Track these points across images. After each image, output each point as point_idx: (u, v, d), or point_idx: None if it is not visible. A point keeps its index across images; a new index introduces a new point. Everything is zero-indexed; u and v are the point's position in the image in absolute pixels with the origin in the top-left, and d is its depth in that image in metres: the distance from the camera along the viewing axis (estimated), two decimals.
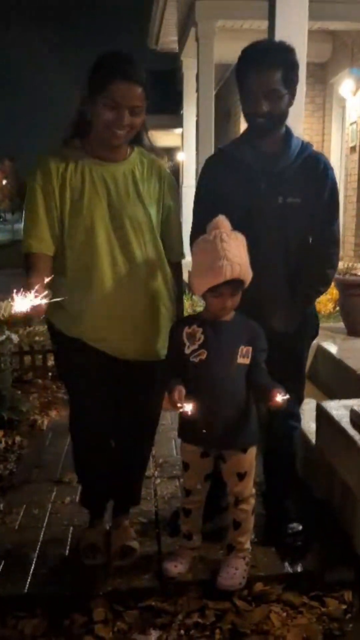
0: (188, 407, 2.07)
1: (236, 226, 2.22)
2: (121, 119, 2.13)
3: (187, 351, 2.20)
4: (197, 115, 8.89)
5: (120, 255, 2.24)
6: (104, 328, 2.26)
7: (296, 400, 2.59)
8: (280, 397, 2.05)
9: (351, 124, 9.37)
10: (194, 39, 8.39)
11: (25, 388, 4.72)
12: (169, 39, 10.38)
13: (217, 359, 2.18)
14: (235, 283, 2.13)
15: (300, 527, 2.57)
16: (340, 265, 4.10)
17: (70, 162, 2.22)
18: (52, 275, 2.06)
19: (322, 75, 10.23)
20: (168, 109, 12.63)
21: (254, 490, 2.37)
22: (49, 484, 3.13)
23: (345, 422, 2.58)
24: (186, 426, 2.29)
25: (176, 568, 2.36)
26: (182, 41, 9.60)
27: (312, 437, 2.96)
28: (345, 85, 9.17)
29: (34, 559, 2.48)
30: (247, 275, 2.15)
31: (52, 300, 1.86)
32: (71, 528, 2.70)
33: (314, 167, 2.38)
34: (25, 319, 6.51)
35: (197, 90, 8.76)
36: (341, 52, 9.68)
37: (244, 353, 2.20)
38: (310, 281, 2.44)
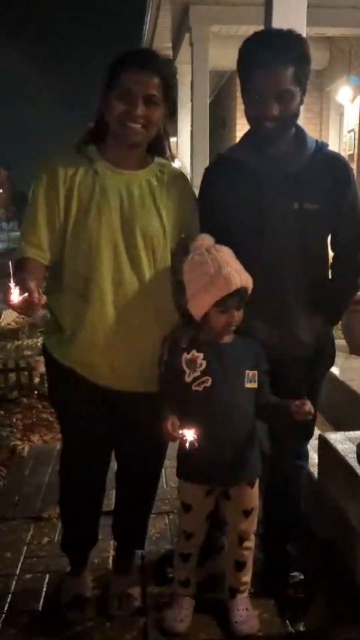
0: (189, 435, 1.85)
1: (247, 240, 2.02)
2: (134, 108, 1.91)
3: (187, 379, 1.99)
4: (192, 123, 8.68)
5: (128, 273, 2.00)
6: (98, 355, 2.02)
7: (305, 437, 2.35)
8: (300, 406, 1.91)
9: (349, 131, 9.22)
10: (188, 45, 8.18)
11: (9, 407, 4.44)
12: (162, 45, 10.16)
13: (224, 385, 1.99)
14: (241, 293, 1.96)
15: (302, 577, 2.31)
16: None
17: (81, 166, 1.99)
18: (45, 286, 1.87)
19: (319, 82, 10.07)
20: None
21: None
22: (26, 521, 2.85)
23: (351, 457, 2.33)
24: (188, 463, 2.07)
25: (182, 623, 2.12)
26: (176, 47, 9.41)
27: (314, 469, 2.71)
28: (342, 92, 9.01)
29: (2, 616, 2.21)
30: (250, 282, 1.97)
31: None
32: (47, 576, 2.43)
33: (334, 168, 2.11)
34: (15, 332, 6.35)
35: (192, 98, 8.55)
36: (339, 59, 9.52)
37: (250, 377, 2.03)
38: (339, 291, 2.19)
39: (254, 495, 2.13)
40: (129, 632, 2.11)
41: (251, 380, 2.03)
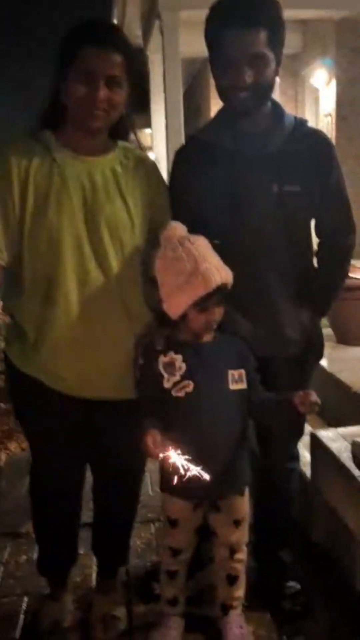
0: (174, 455, 1.67)
1: (223, 228, 1.85)
2: (95, 90, 1.72)
3: (167, 385, 1.82)
4: (166, 114, 8.47)
5: (93, 269, 1.82)
6: (63, 359, 1.84)
7: (296, 436, 2.19)
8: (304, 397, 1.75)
9: (325, 115, 9.05)
10: (158, 32, 7.98)
11: None
12: (133, 33, 9.95)
13: (207, 389, 1.82)
14: (222, 290, 1.78)
15: (299, 587, 2.15)
16: None
17: (36, 154, 1.79)
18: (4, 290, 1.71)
19: (293, 66, 9.89)
20: (136, 109, 12.10)
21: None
22: (2, 538, 2.66)
23: (346, 457, 2.18)
24: (172, 476, 1.85)
25: None
26: (146, 36, 9.20)
27: (306, 469, 2.55)
28: (317, 76, 8.86)
29: None
30: (231, 277, 1.79)
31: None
32: (26, 598, 2.25)
33: (315, 146, 1.94)
34: None
35: (165, 88, 8.35)
36: (313, 43, 9.35)
37: (236, 378, 1.86)
38: (327, 280, 2.03)
39: (244, 504, 1.97)
40: None
41: (237, 380, 1.86)
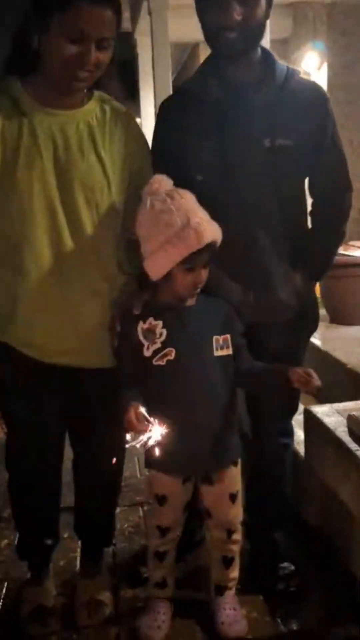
0: (157, 431, 1.57)
1: (211, 186, 1.74)
2: (87, 54, 1.56)
3: (147, 353, 1.71)
4: (155, 101, 8.33)
5: (67, 235, 1.70)
6: (40, 327, 1.73)
7: (289, 411, 2.09)
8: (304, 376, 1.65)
9: None
10: (146, 14, 7.82)
11: None
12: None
13: (190, 356, 1.71)
14: (211, 248, 1.67)
15: (293, 568, 2.05)
16: None
17: (2, 107, 1.65)
18: None
19: (283, 51, 9.70)
20: (125, 97, 11.94)
21: None
22: None
23: (341, 431, 2.07)
24: (157, 452, 1.75)
25: (159, 631, 1.85)
26: (135, 19, 9.04)
27: (300, 448, 2.45)
28: (308, 59, 8.72)
29: None
30: (220, 235, 1.68)
31: None
32: (6, 584, 2.14)
33: (310, 97, 1.82)
34: None
35: (154, 73, 8.20)
36: (303, 26, 9.20)
37: (221, 343, 1.76)
38: (322, 242, 1.91)
39: (237, 475, 1.87)
40: None
41: (222, 346, 1.75)
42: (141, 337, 1.71)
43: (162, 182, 1.67)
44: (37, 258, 1.68)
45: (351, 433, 2.02)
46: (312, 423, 2.27)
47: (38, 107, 1.67)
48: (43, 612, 1.92)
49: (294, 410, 2.11)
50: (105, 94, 1.79)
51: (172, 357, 1.70)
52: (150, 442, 1.58)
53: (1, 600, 2.06)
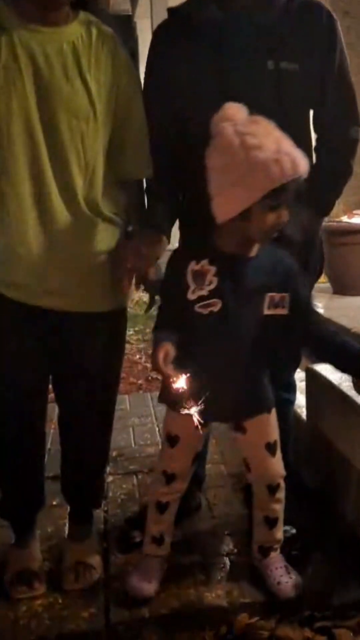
0: (180, 382, 1.45)
1: (208, 115, 1.56)
2: None
3: (191, 296, 1.56)
4: None
5: (49, 166, 1.57)
6: (21, 265, 1.60)
7: (292, 363, 1.95)
8: None
9: None
10: None
11: None
12: None
13: (237, 312, 1.57)
14: (295, 185, 1.47)
15: (295, 531, 1.93)
16: None
17: None
18: None
19: None
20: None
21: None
22: None
23: (346, 386, 1.95)
24: (179, 393, 1.61)
25: (150, 585, 1.74)
26: (134, 1, 8.92)
27: (302, 413, 2.33)
28: None
29: None
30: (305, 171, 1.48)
31: None
32: None
33: (316, 18, 1.69)
34: None
35: None
36: None
37: (276, 301, 1.59)
38: (328, 177, 1.77)
39: (273, 423, 1.72)
40: (86, 609, 1.71)
41: (277, 304, 1.59)
42: (189, 278, 1.55)
43: (239, 109, 1.49)
44: (17, 191, 1.56)
45: (356, 387, 1.90)
46: (315, 381, 2.15)
47: (19, 23, 1.54)
48: (28, 575, 1.80)
49: (297, 362, 1.98)
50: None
51: (216, 309, 1.55)
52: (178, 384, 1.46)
53: None
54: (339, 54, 1.72)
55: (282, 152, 1.42)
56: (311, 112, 1.80)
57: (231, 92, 1.63)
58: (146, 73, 1.75)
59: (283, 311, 1.61)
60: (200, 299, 1.55)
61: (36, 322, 1.66)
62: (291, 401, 2.03)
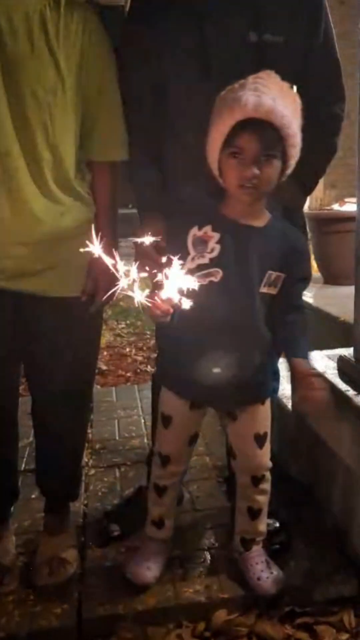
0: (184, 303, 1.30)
1: (188, 92, 1.57)
2: None
3: (190, 264, 1.47)
4: None
5: (16, 145, 1.49)
6: None
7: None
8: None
9: None
10: None
11: None
12: None
13: (237, 284, 1.49)
14: (269, 132, 1.41)
15: (278, 524, 1.86)
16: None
17: None
18: None
19: None
20: None
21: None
22: None
23: (331, 374, 1.89)
24: (175, 373, 1.61)
25: (150, 572, 1.68)
26: None
27: (287, 402, 2.27)
28: None
29: None
30: (290, 126, 1.43)
31: None
32: None
33: None
34: None
35: None
36: None
37: (272, 280, 1.53)
38: (312, 156, 1.68)
39: (265, 414, 1.66)
40: (58, 605, 1.64)
41: (272, 283, 1.52)
42: (189, 245, 1.47)
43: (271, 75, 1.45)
44: None
45: (341, 374, 1.84)
46: None
47: None
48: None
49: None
50: None
51: (216, 279, 1.47)
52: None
53: None
54: (324, 27, 1.65)
55: (249, 92, 1.39)
56: (294, 88, 1.73)
57: (212, 64, 1.57)
58: (122, 42, 1.67)
59: (274, 291, 1.55)
60: (200, 267, 1.47)
61: (7, 308, 1.60)
62: (276, 390, 1.95)
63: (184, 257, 1.45)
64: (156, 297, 1.26)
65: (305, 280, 1.62)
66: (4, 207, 1.51)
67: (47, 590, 1.70)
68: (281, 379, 1.75)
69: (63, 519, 1.90)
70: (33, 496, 2.06)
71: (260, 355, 1.59)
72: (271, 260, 1.52)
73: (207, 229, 1.48)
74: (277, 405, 2.12)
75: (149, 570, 1.67)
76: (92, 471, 2.39)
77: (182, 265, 1.34)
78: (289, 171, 1.51)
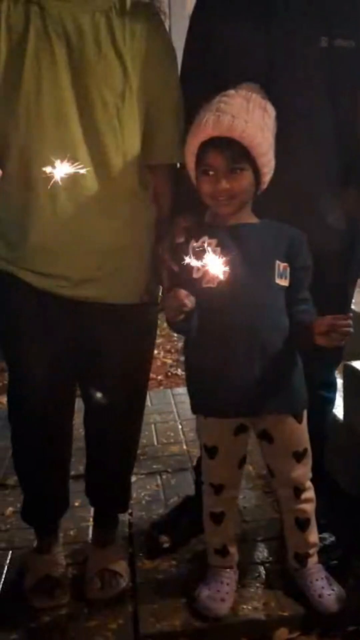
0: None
1: None
2: None
3: (196, 274, 1.47)
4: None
5: (82, 149, 1.46)
6: (56, 253, 1.51)
7: (334, 361, 1.84)
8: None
9: None
10: None
11: None
12: None
13: (246, 278, 1.46)
14: (232, 148, 1.44)
15: (334, 539, 1.81)
16: None
17: None
18: None
19: None
20: None
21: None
22: None
23: None
24: (203, 391, 1.58)
25: (223, 604, 1.62)
26: None
27: (339, 414, 2.21)
28: None
29: None
30: (254, 139, 1.43)
31: None
32: (10, 553, 1.92)
33: None
34: None
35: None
36: None
37: (281, 271, 1.52)
38: None
39: (303, 432, 1.62)
40: (114, 620, 1.61)
41: (282, 274, 1.51)
42: (192, 258, 1.45)
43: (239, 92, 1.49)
44: (47, 175, 1.43)
45: None
46: (353, 378, 2.02)
47: None
48: (50, 583, 1.70)
49: (337, 358, 1.86)
50: None
51: (225, 277, 1.44)
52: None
53: (5, 570, 1.84)
54: None
55: (209, 113, 1.44)
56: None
57: (276, 67, 1.52)
58: (188, 41, 1.63)
59: (286, 283, 1.53)
60: (208, 275, 1.44)
61: (64, 314, 1.57)
62: (330, 400, 1.90)
63: (189, 271, 1.46)
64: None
65: (307, 269, 1.57)
66: (70, 215, 1.47)
67: (99, 604, 1.66)
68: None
69: (111, 530, 1.86)
70: (77, 504, 2.02)
71: (282, 357, 1.55)
72: (274, 250, 1.53)
73: (204, 239, 1.50)
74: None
75: (223, 602, 1.61)
76: (134, 478, 2.34)
77: (192, 279, 1.44)
78: (267, 178, 1.51)
